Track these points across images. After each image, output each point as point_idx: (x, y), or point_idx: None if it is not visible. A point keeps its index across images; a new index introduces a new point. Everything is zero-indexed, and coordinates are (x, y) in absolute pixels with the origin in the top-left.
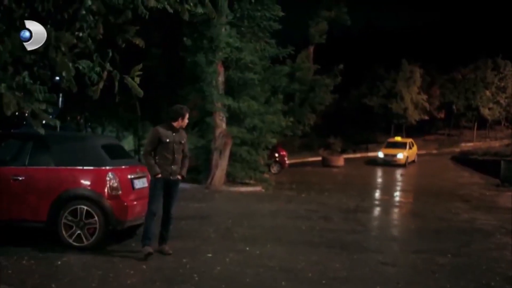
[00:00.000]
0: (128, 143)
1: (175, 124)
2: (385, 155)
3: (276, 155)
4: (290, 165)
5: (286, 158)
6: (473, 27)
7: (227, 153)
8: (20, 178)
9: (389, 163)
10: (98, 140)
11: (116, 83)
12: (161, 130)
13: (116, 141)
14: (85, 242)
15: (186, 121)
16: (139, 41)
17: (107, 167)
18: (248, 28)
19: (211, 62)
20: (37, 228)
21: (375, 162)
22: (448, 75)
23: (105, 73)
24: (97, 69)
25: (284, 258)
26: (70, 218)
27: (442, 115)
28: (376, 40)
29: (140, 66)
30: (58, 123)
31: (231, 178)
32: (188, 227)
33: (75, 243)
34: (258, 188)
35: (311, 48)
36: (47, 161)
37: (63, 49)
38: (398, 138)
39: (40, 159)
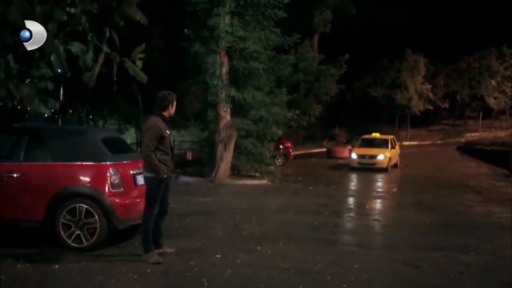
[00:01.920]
0: (130, 136)
1: (165, 113)
2: (360, 156)
3: (281, 146)
4: (295, 156)
5: (291, 150)
6: (478, 16)
7: (232, 145)
8: (15, 175)
9: (367, 168)
10: (97, 134)
11: (115, 67)
12: (160, 124)
13: (117, 134)
14: (85, 243)
15: (174, 108)
16: (140, 17)
17: (108, 162)
18: (252, 17)
19: (213, 51)
20: (34, 228)
21: (344, 166)
22: (452, 64)
23: (102, 56)
24: (92, 53)
25: (298, 258)
26: (68, 217)
27: (446, 105)
28: (380, 30)
29: (143, 47)
30: (57, 104)
31: (235, 171)
32: (194, 224)
33: (74, 244)
34: (264, 181)
35: (316, 38)
36: (43, 156)
37: (51, 28)
38: (376, 134)
39: (36, 154)
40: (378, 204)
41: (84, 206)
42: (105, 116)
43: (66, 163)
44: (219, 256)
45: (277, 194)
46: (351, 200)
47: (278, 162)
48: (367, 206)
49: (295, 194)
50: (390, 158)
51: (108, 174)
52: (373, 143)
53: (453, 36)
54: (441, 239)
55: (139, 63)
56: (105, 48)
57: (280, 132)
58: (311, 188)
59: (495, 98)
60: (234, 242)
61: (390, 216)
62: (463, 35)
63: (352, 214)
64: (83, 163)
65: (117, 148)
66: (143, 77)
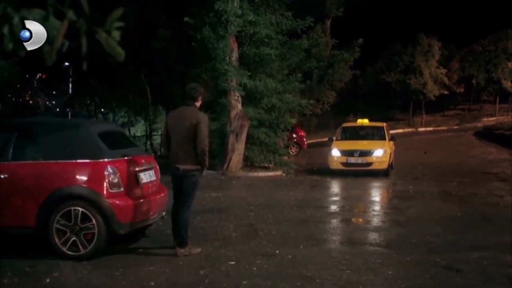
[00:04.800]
0: (140, 128)
1: (198, 105)
2: (346, 153)
3: (294, 136)
4: (308, 145)
5: (305, 139)
6: None
7: (244, 135)
8: (2, 176)
9: (357, 170)
10: (94, 127)
11: (83, 40)
12: None
13: (117, 127)
14: (82, 251)
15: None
16: None
17: (106, 159)
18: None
19: (222, 37)
20: (25, 235)
21: (325, 171)
22: (467, 47)
23: (65, 23)
24: (53, 19)
25: (323, 264)
26: (63, 222)
27: (461, 89)
28: (392, 14)
29: (120, 11)
30: None
31: (248, 163)
32: (205, 223)
33: (69, 252)
34: (278, 173)
35: (328, 22)
36: (34, 154)
37: None
38: (363, 121)
39: (26, 152)
40: (401, 196)
41: (80, 209)
42: (115, 108)
43: (59, 161)
44: (233, 263)
45: (293, 187)
46: (371, 192)
47: (292, 152)
48: (390, 198)
49: (312, 187)
50: (390, 155)
51: (106, 173)
52: (359, 134)
53: (467, 18)
54: (479, 235)
55: (116, 35)
56: (70, 14)
57: (293, 121)
58: (328, 179)
59: None
60: (249, 245)
61: (417, 209)
62: (477, 15)
63: (375, 208)
64: (78, 160)
65: (116, 142)
66: (120, 53)
